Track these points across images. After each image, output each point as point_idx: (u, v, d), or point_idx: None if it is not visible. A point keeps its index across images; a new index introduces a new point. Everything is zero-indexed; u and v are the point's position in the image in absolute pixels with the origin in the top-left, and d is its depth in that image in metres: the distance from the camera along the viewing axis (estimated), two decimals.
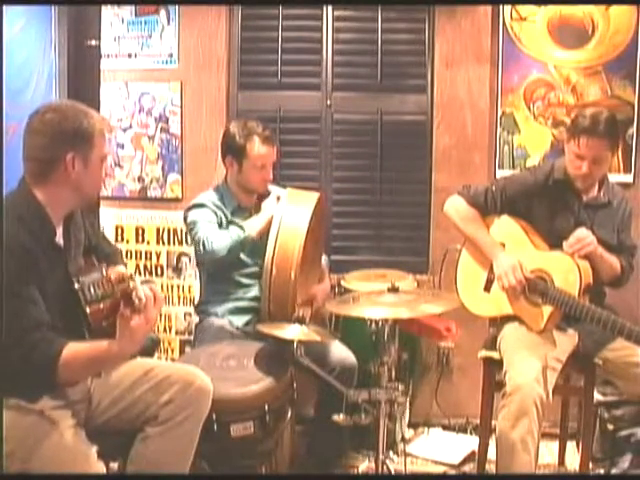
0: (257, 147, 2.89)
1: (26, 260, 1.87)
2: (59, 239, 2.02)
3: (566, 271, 2.62)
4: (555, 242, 2.71)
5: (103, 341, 1.85)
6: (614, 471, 2.99)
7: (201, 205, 2.93)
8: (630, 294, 3.01)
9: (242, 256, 2.89)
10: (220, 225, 2.90)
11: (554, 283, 2.63)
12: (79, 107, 2.03)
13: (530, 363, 2.53)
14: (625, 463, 2.97)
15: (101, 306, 1.78)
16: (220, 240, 2.76)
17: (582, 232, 2.66)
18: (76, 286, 1.78)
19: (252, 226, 2.81)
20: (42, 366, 1.84)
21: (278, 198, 2.84)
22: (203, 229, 2.81)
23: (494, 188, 2.82)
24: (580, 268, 2.60)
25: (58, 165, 1.96)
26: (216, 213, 2.91)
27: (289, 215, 2.67)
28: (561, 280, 2.62)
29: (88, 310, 1.76)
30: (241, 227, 2.80)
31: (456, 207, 2.86)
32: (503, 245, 2.79)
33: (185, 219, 2.97)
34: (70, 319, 1.93)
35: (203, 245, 2.76)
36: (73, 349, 1.86)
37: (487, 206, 2.82)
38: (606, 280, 2.76)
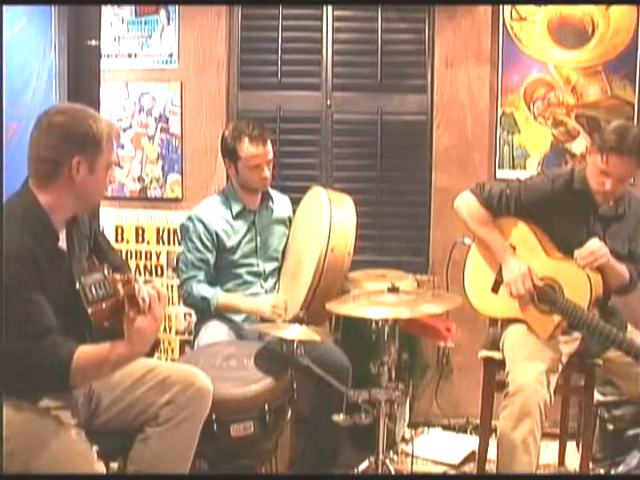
0: (246, 147, 2.91)
1: (32, 265, 1.85)
2: (62, 243, 2.01)
3: (577, 282, 2.58)
4: (566, 250, 2.67)
5: (113, 343, 1.84)
6: (621, 469, 2.98)
7: (199, 220, 2.93)
8: (632, 296, 2.99)
9: (251, 259, 3.00)
10: (217, 242, 2.94)
11: (564, 293, 2.60)
12: (89, 111, 2.00)
13: (533, 364, 2.53)
14: (634, 460, 2.93)
15: (103, 306, 1.77)
16: (200, 306, 2.92)
17: (595, 243, 2.60)
18: (77, 286, 1.77)
19: (229, 304, 2.91)
20: (55, 371, 1.83)
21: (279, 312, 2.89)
22: (195, 285, 2.90)
23: (509, 191, 2.76)
24: (591, 280, 2.56)
25: (63, 168, 1.93)
26: (208, 228, 2.92)
27: (338, 213, 2.82)
28: (571, 291, 2.59)
29: (90, 310, 1.76)
30: (209, 303, 2.88)
31: (468, 206, 2.81)
32: (514, 248, 2.76)
33: (183, 227, 2.99)
34: (73, 321, 1.92)
35: (188, 300, 2.94)
36: (84, 352, 1.85)
37: (500, 209, 2.77)
38: (614, 288, 2.71)
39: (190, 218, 2.97)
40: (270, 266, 3.05)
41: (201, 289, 2.90)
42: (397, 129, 3.61)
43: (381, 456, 2.55)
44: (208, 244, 2.93)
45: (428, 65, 3.57)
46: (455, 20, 3.48)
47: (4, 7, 2.46)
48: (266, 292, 3.02)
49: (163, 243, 3.70)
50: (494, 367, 2.80)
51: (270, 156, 2.97)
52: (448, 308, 2.53)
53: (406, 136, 3.62)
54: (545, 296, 2.64)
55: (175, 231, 3.66)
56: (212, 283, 2.97)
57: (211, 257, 2.94)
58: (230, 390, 2.33)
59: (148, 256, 3.72)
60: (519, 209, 2.77)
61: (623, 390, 2.82)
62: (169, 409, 2.09)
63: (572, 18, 3.43)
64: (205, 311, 2.92)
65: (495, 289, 2.80)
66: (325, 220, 2.77)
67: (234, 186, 3.03)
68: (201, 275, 2.92)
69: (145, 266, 3.72)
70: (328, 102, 3.62)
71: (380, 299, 2.49)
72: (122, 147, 3.67)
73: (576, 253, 2.61)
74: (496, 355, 2.78)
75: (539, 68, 3.46)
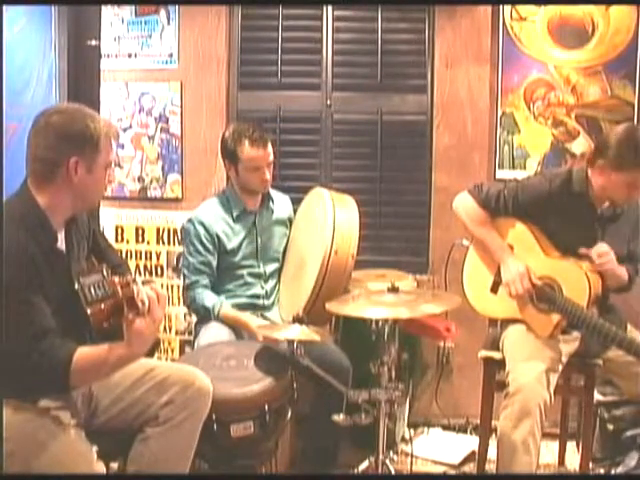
0: (246, 150, 2.89)
1: (30, 266, 1.85)
2: (60, 244, 2.01)
3: (575, 281, 2.57)
4: (564, 250, 2.67)
5: (112, 344, 1.84)
6: (620, 469, 2.98)
7: (200, 222, 2.93)
8: (631, 295, 2.99)
9: (252, 260, 3.00)
10: (218, 245, 2.94)
11: (562, 292, 2.60)
12: (86, 111, 2.00)
13: (534, 364, 2.53)
14: (632, 461, 2.94)
15: (102, 307, 1.77)
16: (202, 313, 2.90)
17: (603, 248, 2.60)
18: (76, 286, 1.77)
19: (230, 317, 2.89)
20: (54, 373, 1.83)
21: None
22: (200, 291, 2.91)
23: (506, 192, 2.75)
24: (590, 280, 2.56)
25: (61, 168, 1.93)
26: (209, 230, 2.91)
27: (341, 215, 2.81)
28: (570, 290, 2.58)
29: (89, 311, 1.76)
30: (210, 312, 2.88)
31: (466, 207, 2.81)
32: (512, 247, 2.75)
33: (184, 230, 2.98)
34: (72, 322, 1.92)
35: (191, 306, 2.95)
36: (83, 354, 1.85)
37: (498, 210, 2.76)
38: (612, 287, 2.71)
39: (190, 220, 2.96)
40: (271, 267, 3.05)
41: (205, 297, 2.89)
42: (397, 129, 3.61)
43: (381, 456, 2.54)
44: (209, 247, 2.92)
45: (428, 65, 3.57)
46: (455, 20, 3.48)
47: (4, 7, 2.46)
48: (267, 293, 3.03)
49: (163, 243, 3.70)
50: (494, 367, 2.80)
51: (271, 158, 2.96)
52: (448, 308, 2.52)
53: (406, 136, 3.62)
54: (544, 295, 2.64)
55: (175, 231, 3.66)
56: (214, 285, 2.97)
57: (213, 260, 2.94)
58: (230, 390, 2.32)
59: (148, 256, 3.72)
60: (517, 209, 2.76)
61: (623, 390, 2.82)
62: (169, 409, 2.09)
63: (572, 18, 3.43)
64: (207, 316, 2.92)
65: (494, 289, 2.80)
66: (328, 222, 2.76)
67: (234, 188, 3.02)
68: (205, 280, 2.92)
69: (145, 266, 3.72)
70: (328, 102, 3.62)
71: (380, 299, 2.48)
72: (122, 147, 3.67)
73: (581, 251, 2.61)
74: (496, 355, 2.78)
75: (539, 68, 3.46)
